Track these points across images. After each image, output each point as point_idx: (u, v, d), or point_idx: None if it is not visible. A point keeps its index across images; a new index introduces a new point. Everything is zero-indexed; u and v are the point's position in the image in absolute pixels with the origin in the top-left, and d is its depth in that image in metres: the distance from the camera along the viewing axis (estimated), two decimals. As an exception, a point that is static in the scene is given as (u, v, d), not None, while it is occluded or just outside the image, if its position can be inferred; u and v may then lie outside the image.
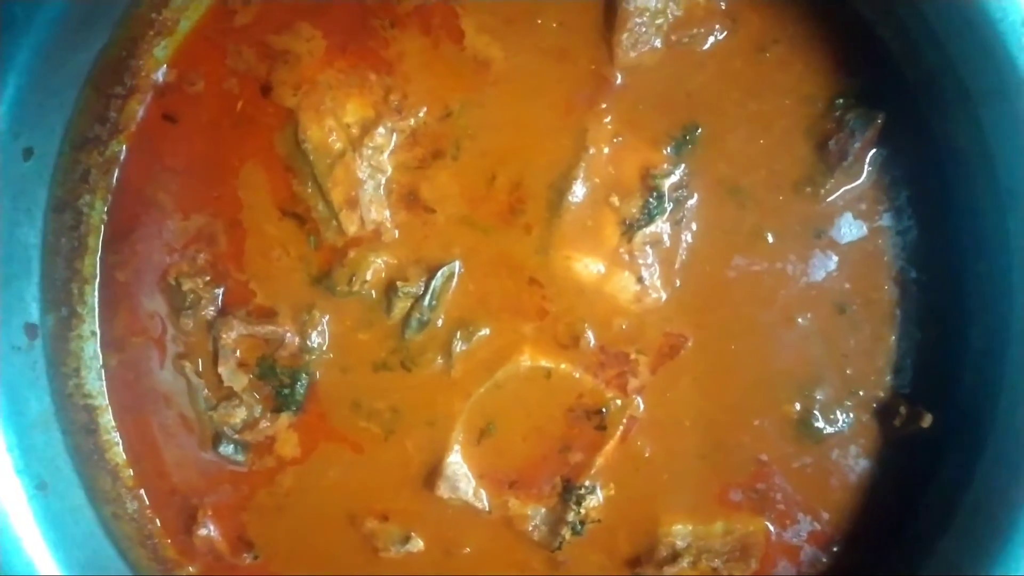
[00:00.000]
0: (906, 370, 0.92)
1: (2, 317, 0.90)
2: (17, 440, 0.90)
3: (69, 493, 0.94)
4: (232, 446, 0.97)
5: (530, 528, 0.95)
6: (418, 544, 0.96)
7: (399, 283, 0.94)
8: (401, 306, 0.95)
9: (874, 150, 0.90)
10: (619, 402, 0.94)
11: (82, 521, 0.95)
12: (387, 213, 0.95)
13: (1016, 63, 0.78)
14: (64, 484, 0.94)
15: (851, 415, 0.93)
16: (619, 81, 0.93)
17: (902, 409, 0.90)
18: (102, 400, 0.99)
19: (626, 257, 0.93)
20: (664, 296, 0.93)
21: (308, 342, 0.96)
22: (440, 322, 0.95)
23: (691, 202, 0.93)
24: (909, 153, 0.91)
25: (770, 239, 0.92)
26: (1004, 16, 0.77)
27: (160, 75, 0.97)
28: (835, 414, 0.93)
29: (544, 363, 0.94)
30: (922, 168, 0.90)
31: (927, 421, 0.89)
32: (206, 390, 0.98)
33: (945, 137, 0.89)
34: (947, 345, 0.91)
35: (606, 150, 0.93)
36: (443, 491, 0.95)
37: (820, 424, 0.93)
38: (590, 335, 0.94)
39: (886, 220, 0.91)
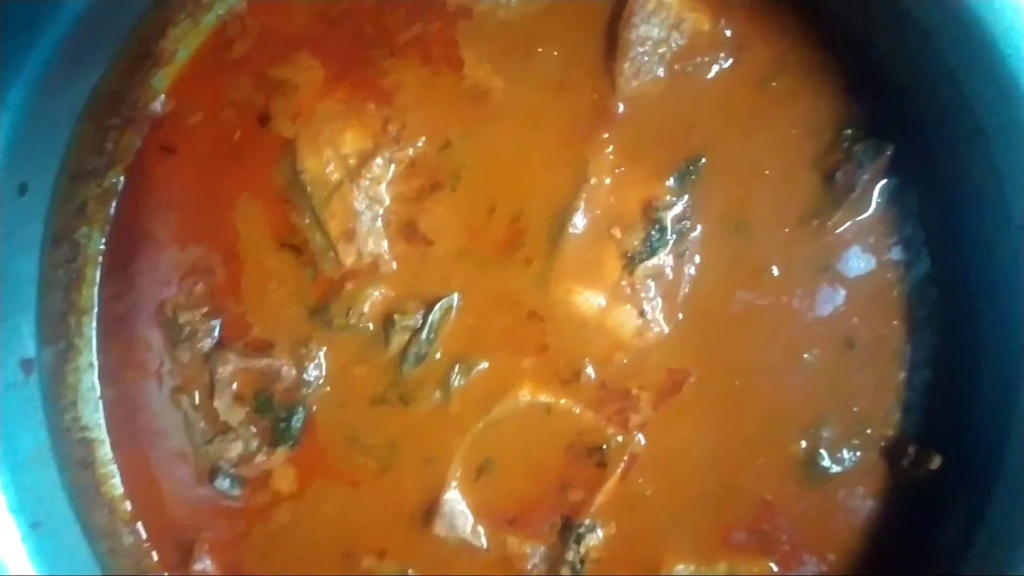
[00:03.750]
0: (916, 410, 0.90)
1: (-2, 354, 0.90)
2: (11, 478, 0.89)
3: (64, 531, 0.94)
4: (228, 480, 0.97)
5: (529, 567, 0.94)
6: (415, 582, 0.96)
7: (396, 316, 0.94)
8: (399, 339, 0.94)
9: (883, 182, 0.89)
10: (620, 439, 0.93)
11: (77, 559, 0.94)
12: (385, 245, 0.94)
13: (1028, 98, 0.76)
14: (59, 522, 0.94)
15: (858, 454, 0.91)
16: (621, 111, 0.91)
17: (911, 449, 0.89)
18: (99, 433, 0.99)
19: (628, 290, 0.92)
20: (666, 330, 0.92)
21: (305, 375, 0.96)
22: (438, 356, 0.94)
23: (694, 234, 0.91)
24: (920, 186, 0.89)
25: (775, 273, 0.91)
26: (1016, 52, 0.76)
27: (158, 105, 0.98)
28: (842, 453, 0.91)
29: (544, 398, 0.93)
30: (933, 202, 0.89)
31: (936, 463, 0.87)
32: (202, 423, 0.98)
33: (957, 171, 0.87)
34: (960, 385, 0.89)
35: (607, 181, 0.92)
36: (440, 529, 0.94)
37: (826, 463, 0.91)
38: (591, 370, 0.93)
39: (895, 254, 0.90)
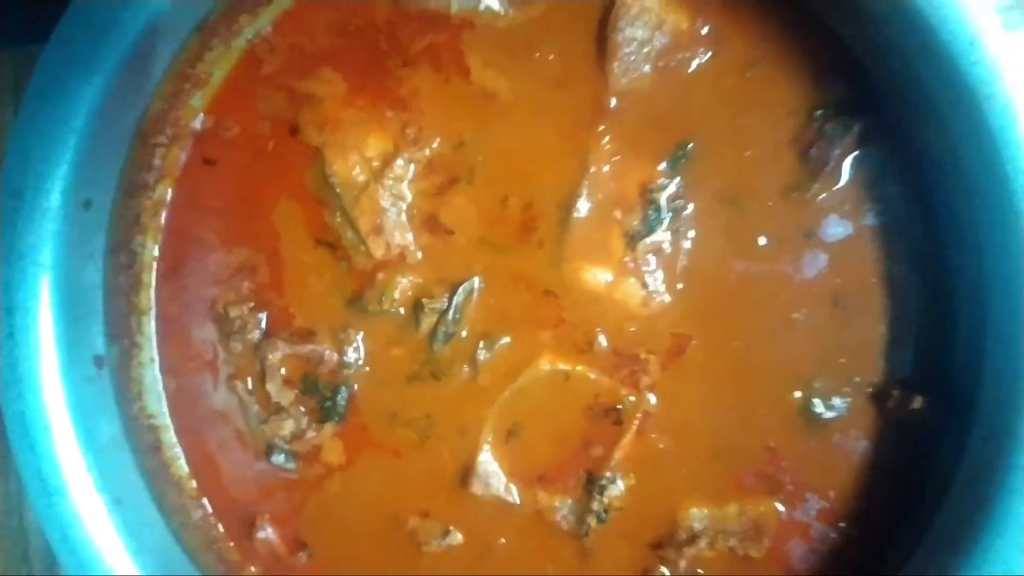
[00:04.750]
0: (898, 356, 0.97)
1: (74, 352, 0.99)
2: (94, 461, 0.99)
3: (142, 507, 1.03)
4: (283, 456, 1.06)
5: (559, 518, 1.03)
6: (457, 538, 1.04)
7: (425, 300, 1.02)
8: (428, 321, 1.03)
9: (853, 155, 0.96)
10: (633, 399, 1.01)
11: (156, 531, 1.04)
12: (410, 237, 1.03)
13: (968, 78, 0.84)
14: (137, 499, 1.03)
15: (848, 401, 0.98)
16: (615, 105, 0.99)
17: (895, 393, 0.96)
18: (164, 420, 1.08)
19: (631, 265, 1.00)
20: (669, 299, 1.00)
21: (345, 358, 1.05)
22: (465, 334, 1.03)
23: (688, 212, 0.99)
24: (888, 156, 0.96)
25: (763, 242, 0.98)
26: (954, 37, 0.83)
27: (198, 123, 1.06)
28: (833, 401, 0.98)
29: (562, 367, 1.01)
30: (901, 170, 0.96)
31: (918, 403, 0.94)
32: (256, 406, 1.07)
33: (918, 143, 0.94)
34: (936, 332, 0.96)
35: (607, 168, 1.00)
36: (476, 488, 1.02)
37: (820, 411, 0.98)
38: (603, 339, 1.01)
39: (869, 219, 0.97)
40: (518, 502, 1.03)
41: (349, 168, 1.03)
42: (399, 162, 1.03)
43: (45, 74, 0.93)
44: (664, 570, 1.01)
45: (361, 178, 1.03)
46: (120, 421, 1.04)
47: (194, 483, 1.08)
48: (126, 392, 1.06)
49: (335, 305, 1.05)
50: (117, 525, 0.99)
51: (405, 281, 1.03)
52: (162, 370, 1.08)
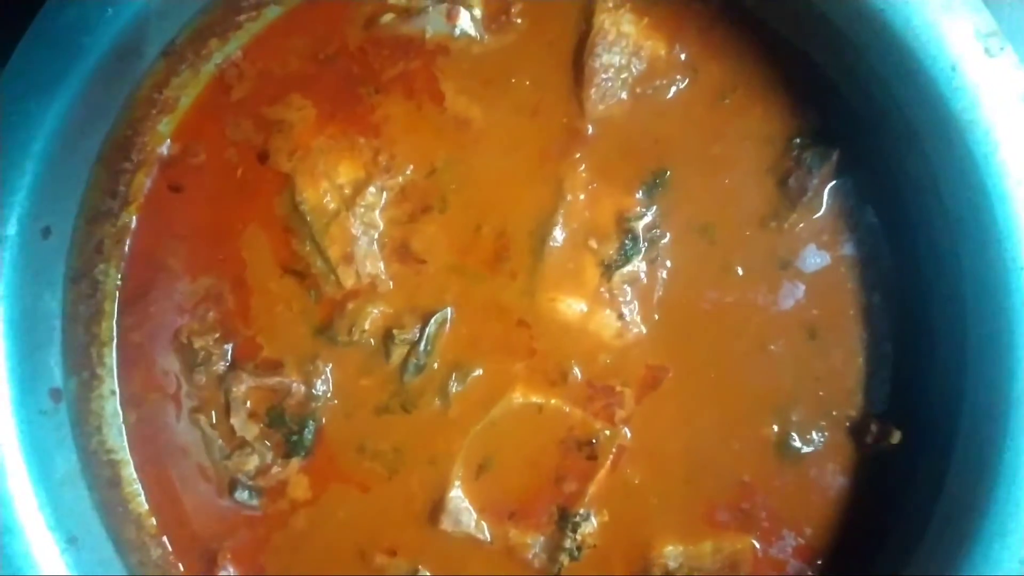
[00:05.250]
0: (876, 389, 0.97)
1: (29, 384, 0.96)
2: (47, 498, 0.96)
3: (98, 545, 1.00)
4: (247, 492, 1.03)
5: (530, 556, 1.01)
6: (426, 576, 1.02)
7: (395, 331, 1.00)
8: (399, 352, 1.01)
9: (831, 184, 0.96)
10: (607, 432, 0.99)
11: (112, 571, 1.00)
12: (381, 266, 1.02)
13: (949, 104, 0.84)
14: (93, 537, 1.00)
15: (825, 434, 0.97)
16: (590, 132, 0.99)
17: (873, 427, 0.95)
18: (124, 455, 1.05)
19: (606, 296, 0.99)
20: (644, 330, 0.99)
21: (313, 390, 1.02)
22: (436, 365, 1.01)
23: (664, 241, 0.99)
24: (867, 185, 0.96)
25: (740, 272, 0.98)
26: (935, 63, 0.84)
27: (164, 149, 1.05)
28: (810, 434, 0.97)
29: (535, 399, 1.00)
30: (880, 199, 0.96)
31: (896, 437, 0.94)
32: (220, 440, 1.04)
33: (897, 170, 0.94)
34: (914, 366, 0.96)
35: (582, 197, 0.99)
36: (446, 525, 1.00)
37: (797, 444, 0.98)
38: (577, 371, 1.00)
39: (848, 249, 0.97)
40: (489, 539, 1.01)
41: (320, 195, 1.02)
42: (371, 190, 1.01)
43: (3, 98, 0.91)
44: (639, 609, 0.99)
45: (332, 206, 1.02)
46: (77, 456, 1.01)
47: (154, 520, 1.05)
48: (84, 426, 1.02)
49: (303, 335, 1.03)
50: (70, 565, 0.96)
51: (375, 311, 1.02)
52: (122, 402, 1.05)
